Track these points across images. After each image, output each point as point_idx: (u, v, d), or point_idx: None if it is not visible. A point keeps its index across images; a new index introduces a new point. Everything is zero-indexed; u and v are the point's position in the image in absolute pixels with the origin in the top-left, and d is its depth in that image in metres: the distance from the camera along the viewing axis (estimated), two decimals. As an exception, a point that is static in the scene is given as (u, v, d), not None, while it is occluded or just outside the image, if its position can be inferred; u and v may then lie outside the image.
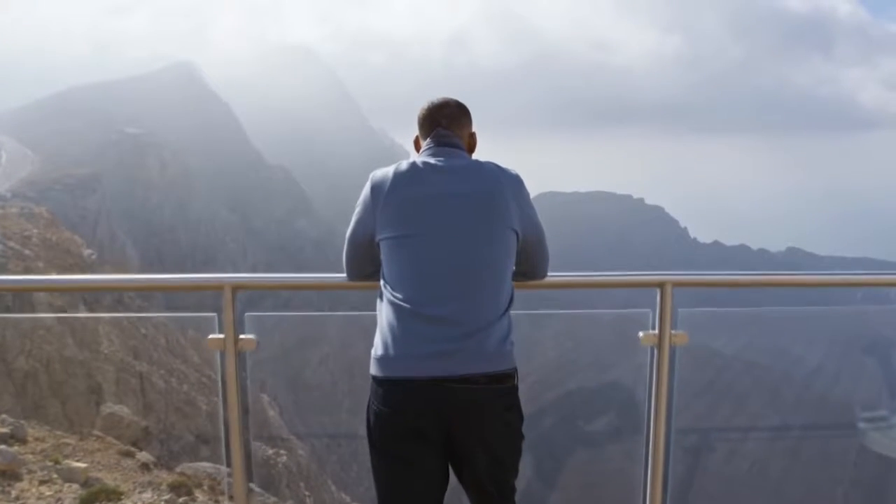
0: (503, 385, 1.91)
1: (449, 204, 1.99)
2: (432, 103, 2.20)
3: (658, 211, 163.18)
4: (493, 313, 1.94)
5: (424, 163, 2.08)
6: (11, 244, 14.61)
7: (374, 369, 1.94)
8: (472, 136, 2.23)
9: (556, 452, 41.90)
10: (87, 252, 17.19)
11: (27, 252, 14.63)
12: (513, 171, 2.13)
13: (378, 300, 2.03)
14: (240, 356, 2.49)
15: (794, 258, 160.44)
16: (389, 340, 1.91)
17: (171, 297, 22.10)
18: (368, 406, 1.97)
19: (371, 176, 2.09)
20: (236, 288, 2.48)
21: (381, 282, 2.04)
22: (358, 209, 2.09)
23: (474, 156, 2.23)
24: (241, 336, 2.48)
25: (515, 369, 1.95)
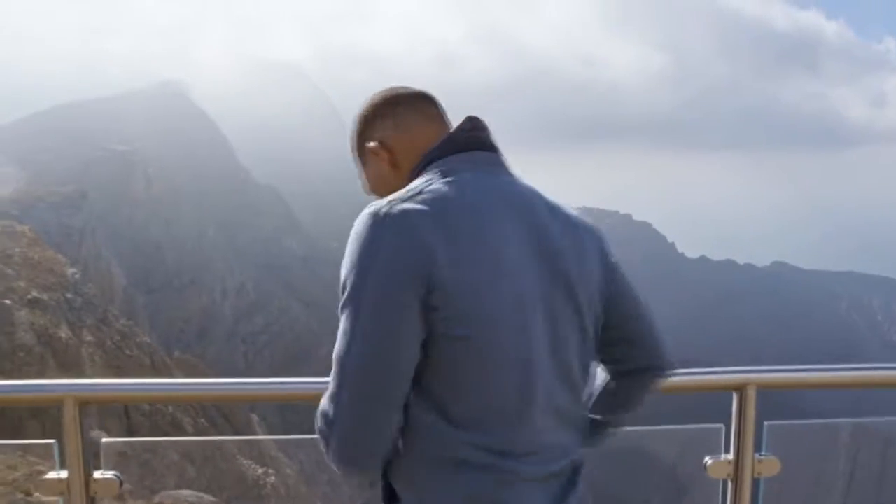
0: None
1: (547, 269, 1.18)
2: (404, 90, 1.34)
3: (645, 226, 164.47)
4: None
5: (484, 184, 1.19)
6: (-8, 263, 14.35)
7: None
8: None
9: None
10: (70, 271, 16.93)
11: (9, 271, 14.37)
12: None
13: (405, 457, 1.14)
14: None
15: (780, 272, 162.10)
16: None
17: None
18: None
19: (397, 213, 1.11)
20: (82, 402, 1.72)
21: (423, 420, 1.12)
22: (375, 293, 1.09)
23: None
24: (97, 475, 1.73)
25: None
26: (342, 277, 1.11)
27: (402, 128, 1.29)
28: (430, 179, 1.17)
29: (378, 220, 1.09)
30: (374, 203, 1.14)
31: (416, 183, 1.17)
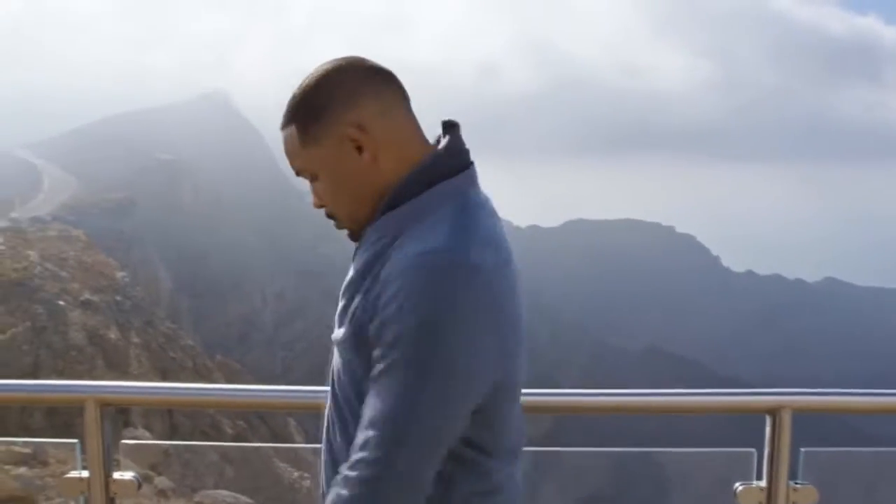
0: None
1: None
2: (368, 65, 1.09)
3: (689, 239, 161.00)
4: None
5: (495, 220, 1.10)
6: (48, 266, 14.98)
7: None
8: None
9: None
10: (120, 274, 17.54)
11: (63, 274, 14.98)
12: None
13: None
14: None
15: (832, 288, 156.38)
16: None
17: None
18: None
19: (475, 263, 0.99)
20: (104, 404, 1.74)
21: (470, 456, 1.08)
22: (466, 348, 0.98)
23: None
24: (115, 475, 1.73)
25: None
26: (400, 331, 0.95)
27: (389, 114, 1.06)
28: (466, 214, 1.02)
29: (462, 273, 0.96)
30: (438, 246, 0.96)
31: (459, 219, 1.00)
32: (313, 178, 1.10)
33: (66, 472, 1.76)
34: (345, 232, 1.15)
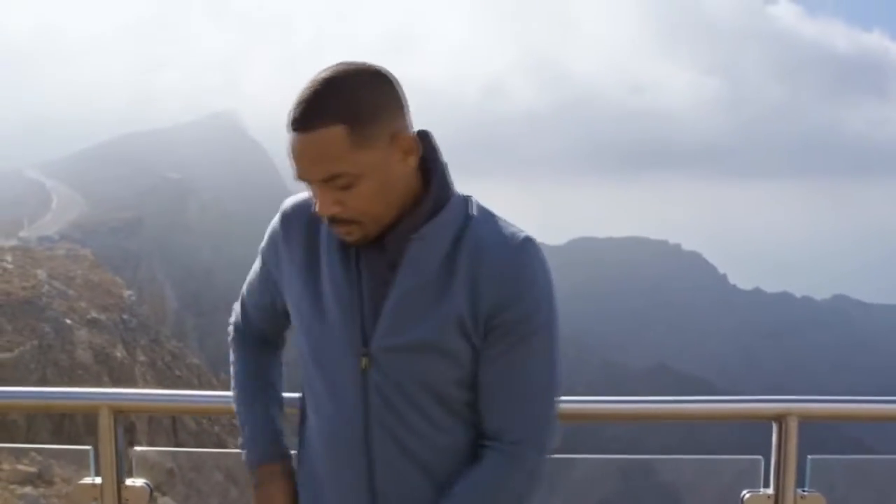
0: None
1: None
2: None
3: (695, 257, 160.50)
4: None
5: None
6: (56, 284, 15.08)
7: None
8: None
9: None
10: (126, 293, 17.63)
11: (70, 292, 15.07)
12: None
13: None
14: None
15: (841, 305, 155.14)
16: None
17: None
18: None
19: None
20: (118, 411, 1.75)
21: None
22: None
23: None
24: (128, 482, 1.75)
25: None
26: (525, 309, 1.10)
27: (411, 123, 1.11)
28: (484, 208, 1.16)
29: (538, 247, 1.13)
30: (519, 229, 1.12)
31: (490, 211, 1.15)
32: (348, 185, 1.05)
33: (71, 492, 1.79)
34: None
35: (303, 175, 1.07)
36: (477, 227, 1.12)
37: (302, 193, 1.22)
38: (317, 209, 1.08)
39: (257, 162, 71.98)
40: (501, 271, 1.09)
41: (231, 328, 1.40)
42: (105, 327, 13.92)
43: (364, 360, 1.12)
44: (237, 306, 1.39)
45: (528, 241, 1.11)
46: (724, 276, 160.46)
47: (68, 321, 12.97)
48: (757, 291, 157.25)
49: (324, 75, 1.04)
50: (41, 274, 15.46)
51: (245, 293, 1.37)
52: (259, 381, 1.36)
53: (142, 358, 14.28)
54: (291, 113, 1.05)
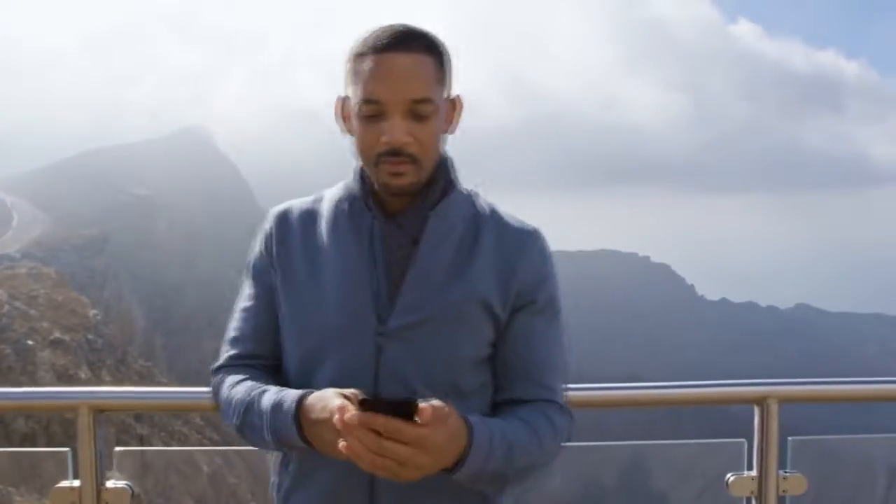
0: None
1: None
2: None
3: (664, 269, 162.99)
4: None
5: None
6: (17, 304, 14.68)
7: None
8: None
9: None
10: (92, 312, 17.23)
11: (32, 312, 14.68)
12: None
13: None
14: None
15: (804, 314, 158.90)
16: None
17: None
18: None
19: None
20: (97, 410, 1.68)
21: None
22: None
23: None
24: (108, 484, 1.68)
25: None
26: (550, 290, 1.19)
27: None
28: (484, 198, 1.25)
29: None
30: (529, 223, 1.20)
31: (488, 199, 1.23)
32: (426, 115, 1.07)
33: (48, 496, 1.71)
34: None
35: (392, 94, 1.04)
36: (492, 210, 1.19)
37: (285, 203, 1.25)
38: (386, 138, 1.05)
39: (227, 178, 71.20)
40: (532, 253, 1.17)
41: (213, 372, 1.25)
42: (69, 348, 13.59)
43: (380, 339, 1.10)
44: (223, 348, 1.25)
45: (543, 237, 1.21)
46: (691, 287, 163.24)
47: (30, 342, 12.64)
48: (724, 302, 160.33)
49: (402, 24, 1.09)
50: (1, 294, 15.03)
51: (237, 326, 1.24)
52: (256, 381, 1.20)
53: (108, 378, 13.95)
54: (380, 37, 1.05)
